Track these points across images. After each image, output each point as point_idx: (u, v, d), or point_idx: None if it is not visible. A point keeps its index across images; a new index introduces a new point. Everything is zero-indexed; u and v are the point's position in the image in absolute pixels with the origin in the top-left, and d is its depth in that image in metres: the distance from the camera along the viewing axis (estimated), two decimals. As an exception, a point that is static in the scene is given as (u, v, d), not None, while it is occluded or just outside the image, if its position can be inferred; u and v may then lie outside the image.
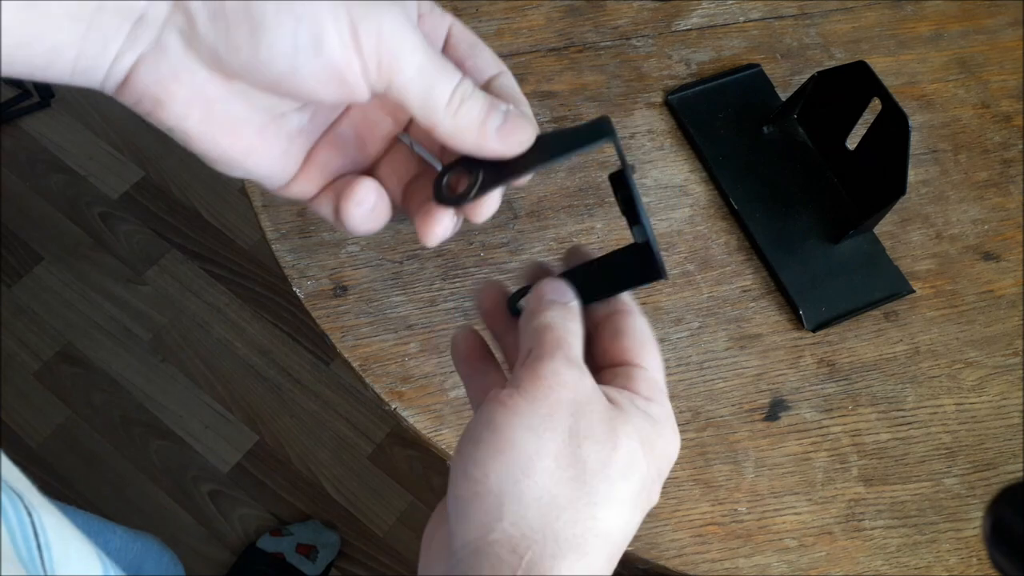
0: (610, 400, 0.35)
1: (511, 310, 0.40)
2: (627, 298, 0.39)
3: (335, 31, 0.31)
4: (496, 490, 0.32)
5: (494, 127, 0.35)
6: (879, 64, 0.70)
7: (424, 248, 0.65)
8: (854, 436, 0.61)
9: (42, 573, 0.36)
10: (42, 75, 0.31)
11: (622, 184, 0.37)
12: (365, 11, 0.32)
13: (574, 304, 0.37)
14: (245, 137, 0.34)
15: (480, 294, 0.40)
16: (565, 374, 0.34)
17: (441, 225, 0.36)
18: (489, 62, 0.38)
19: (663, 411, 0.36)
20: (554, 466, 0.33)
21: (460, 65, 0.37)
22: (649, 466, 0.35)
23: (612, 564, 0.34)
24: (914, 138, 0.64)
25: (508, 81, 0.38)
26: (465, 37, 0.38)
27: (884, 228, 0.68)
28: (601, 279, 0.39)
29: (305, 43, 0.31)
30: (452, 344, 0.40)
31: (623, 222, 0.67)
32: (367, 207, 0.36)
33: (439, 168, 0.38)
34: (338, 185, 0.37)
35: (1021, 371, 0.64)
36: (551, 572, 0.32)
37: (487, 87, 0.37)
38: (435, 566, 0.34)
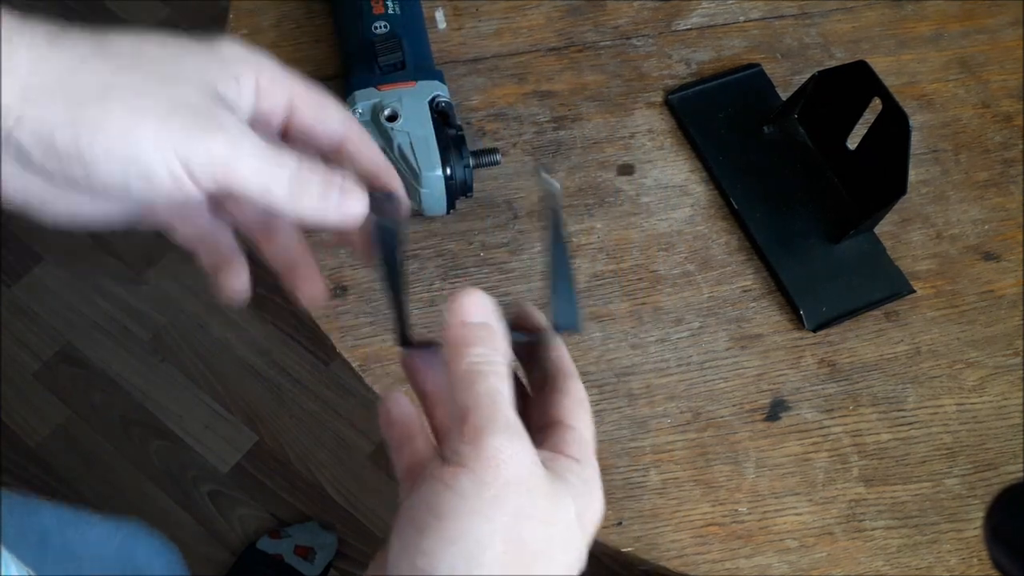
0: (547, 468, 0.34)
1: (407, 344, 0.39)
2: (568, 359, 0.38)
3: (164, 168, 0.33)
4: (429, 556, 0.31)
5: (333, 204, 0.37)
6: (879, 64, 0.70)
7: (424, 248, 0.65)
8: (855, 436, 0.61)
9: None
10: None
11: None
12: (190, 138, 0.34)
13: (494, 338, 0.35)
14: (84, 207, 0.37)
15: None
16: (509, 449, 0.32)
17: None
18: (336, 122, 0.39)
19: (593, 473, 0.36)
20: (502, 551, 0.31)
21: (308, 132, 0.39)
22: (583, 534, 0.35)
23: None
24: (914, 138, 0.63)
25: (354, 138, 0.40)
26: (311, 100, 0.39)
27: (884, 228, 0.68)
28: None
29: (136, 180, 0.34)
30: (380, 410, 0.38)
31: (624, 222, 0.67)
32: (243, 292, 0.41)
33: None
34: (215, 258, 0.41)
35: (1022, 371, 0.64)
36: None
37: (338, 151, 0.39)
38: None
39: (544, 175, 0.38)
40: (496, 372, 0.34)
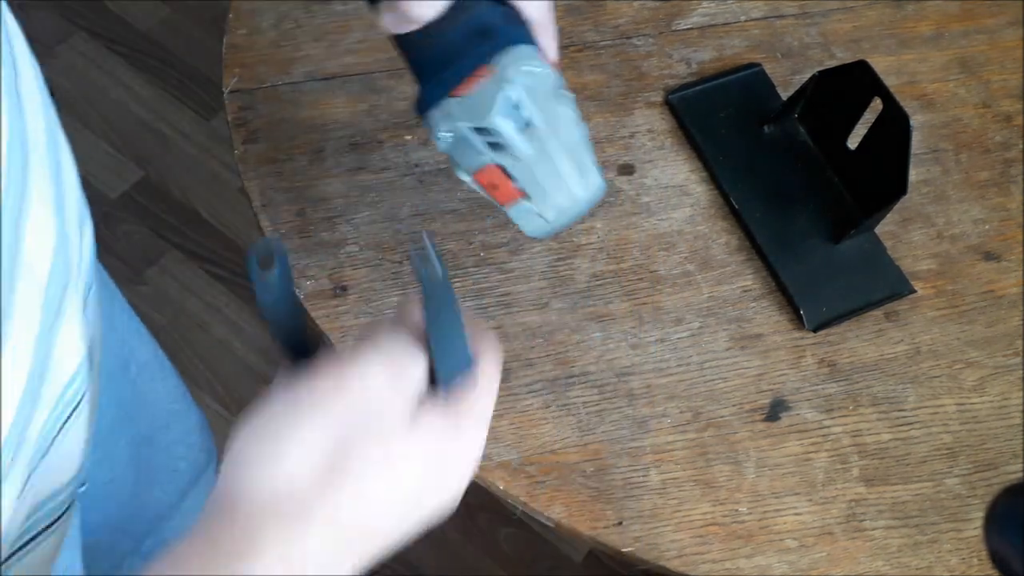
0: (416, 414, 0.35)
1: None
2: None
3: None
4: (243, 452, 0.34)
5: None
6: (880, 63, 0.70)
7: (423, 248, 0.65)
8: (855, 436, 0.61)
9: None
10: None
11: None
12: None
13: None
14: None
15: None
16: (358, 369, 0.35)
17: None
18: None
19: (472, 409, 0.37)
20: (304, 456, 0.33)
21: None
22: (428, 482, 0.36)
23: (350, 551, 0.34)
24: (915, 138, 0.63)
25: None
26: None
27: (885, 228, 0.68)
28: None
29: None
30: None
31: (624, 222, 0.67)
32: None
33: None
34: None
35: (1022, 371, 0.64)
36: (261, 537, 0.32)
37: None
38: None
39: (424, 257, 0.36)
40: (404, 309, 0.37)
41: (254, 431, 0.34)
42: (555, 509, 0.57)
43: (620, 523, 0.57)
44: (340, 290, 0.63)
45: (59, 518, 0.46)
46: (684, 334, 0.63)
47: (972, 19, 0.78)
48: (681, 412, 0.61)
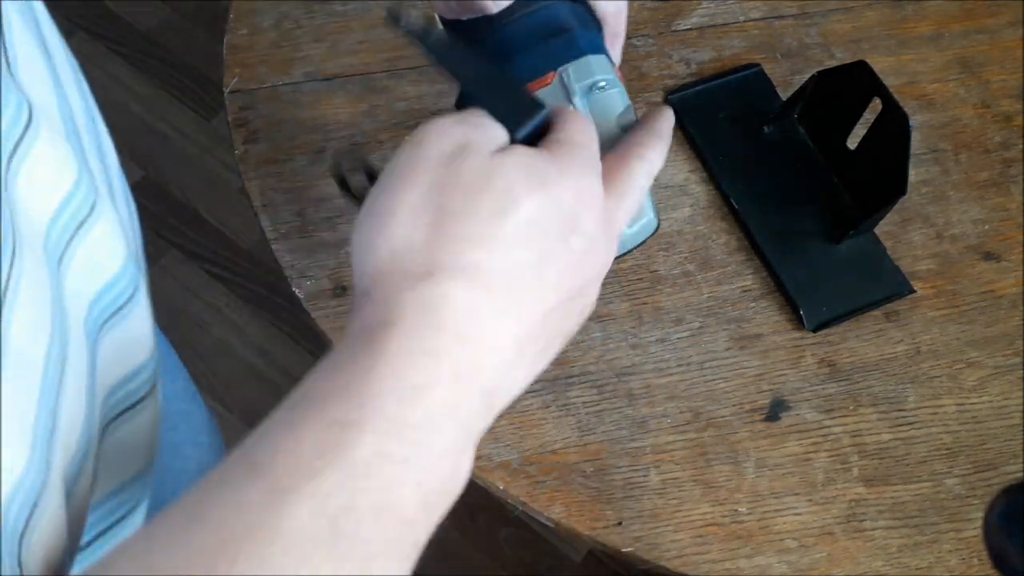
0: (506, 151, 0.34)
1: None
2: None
3: None
4: (359, 247, 0.33)
5: None
6: (880, 64, 0.70)
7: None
8: (855, 436, 0.61)
9: None
10: None
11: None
12: None
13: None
14: None
15: None
16: (433, 128, 0.34)
17: None
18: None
19: (572, 151, 0.35)
20: (409, 216, 0.32)
21: None
22: (540, 203, 0.33)
23: (492, 304, 0.32)
24: (915, 138, 0.63)
25: None
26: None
27: (885, 228, 0.68)
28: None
29: None
30: None
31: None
32: None
33: None
34: None
35: (1022, 371, 0.64)
36: (397, 298, 0.31)
37: None
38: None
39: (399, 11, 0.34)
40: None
41: (359, 223, 0.34)
42: (555, 509, 0.57)
43: (620, 523, 0.57)
44: (340, 290, 0.63)
45: (141, 399, 0.46)
46: (684, 334, 0.63)
47: (972, 19, 0.78)
48: (681, 412, 0.61)
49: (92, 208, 0.39)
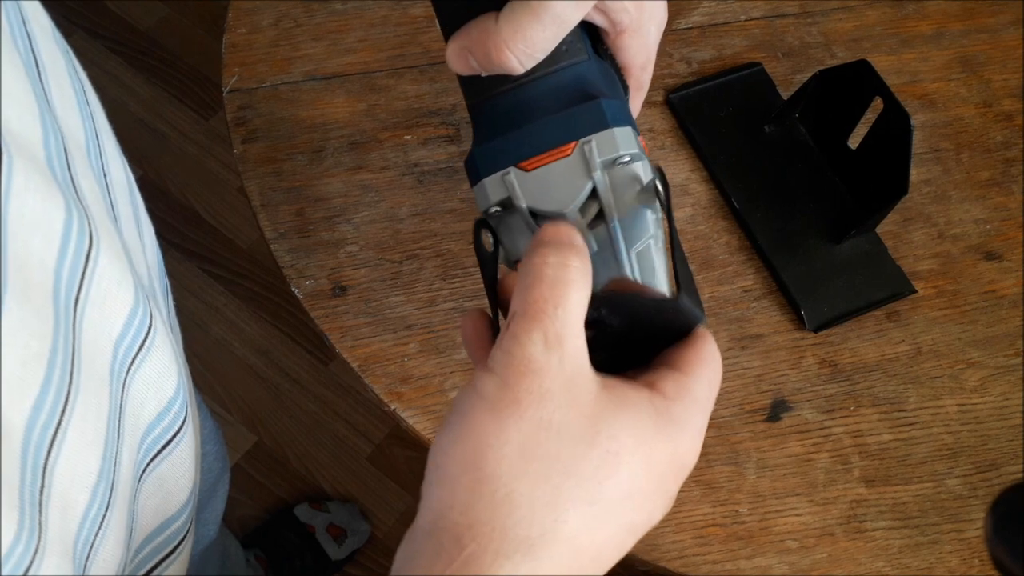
0: (615, 395, 0.32)
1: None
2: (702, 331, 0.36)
3: None
4: (452, 477, 0.30)
5: None
6: (881, 63, 0.70)
7: (424, 248, 0.65)
8: (856, 437, 0.61)
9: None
10: None
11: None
12: None
13: (576, 255, 0.33)
14: None
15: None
16: (542, 358, 0.31)
17: None
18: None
19: (685, 413, 0.33)
20: (516, 457, 0.30)
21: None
22: (645, 473, 0.32)
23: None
24: (916, 137, 0.63)
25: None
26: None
27: (886, 228, 0.68)
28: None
29: None
30: (461, 327, 0.38)
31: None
32: None
33: None
34: None
35: (1023, 372, 0.64)
36: (491, 571, 0.29)
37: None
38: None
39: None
40: (560, 281, 0.32)
41: (445, 448, 0.31)
42: (555, 510, 0.57)
43: (620, 524, 0.57)
44: (339, 290, 0.63)
45: (176, 547, 0.45)
46: (684, 334, 0.63)
47: (973, 18, 0.78)
48: (681, 412, 0.60)
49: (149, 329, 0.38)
